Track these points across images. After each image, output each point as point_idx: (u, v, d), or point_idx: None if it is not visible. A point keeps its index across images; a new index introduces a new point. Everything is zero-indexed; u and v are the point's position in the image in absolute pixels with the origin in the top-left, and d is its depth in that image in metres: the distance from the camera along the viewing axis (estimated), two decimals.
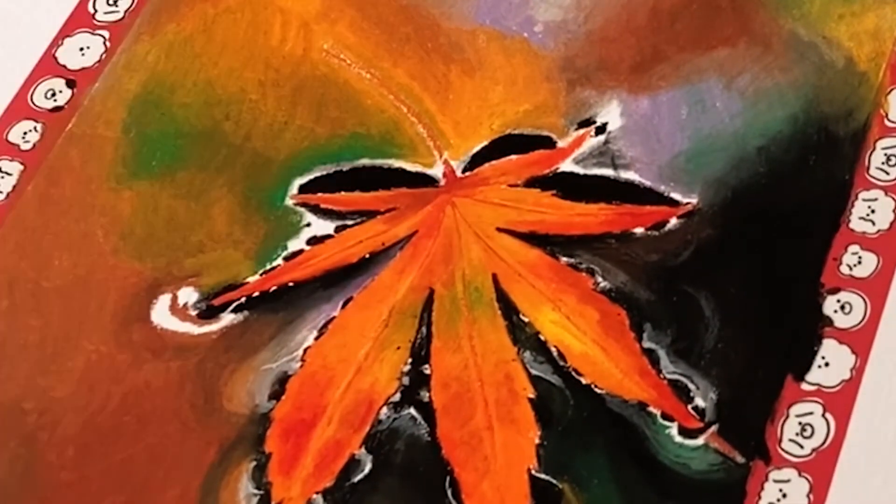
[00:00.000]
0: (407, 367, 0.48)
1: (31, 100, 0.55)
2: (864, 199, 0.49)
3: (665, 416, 0.45)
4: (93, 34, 0.57)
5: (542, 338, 0.48)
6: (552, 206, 0.51)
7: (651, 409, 0.46)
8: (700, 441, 0.45)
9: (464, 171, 0.52)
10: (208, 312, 0.50)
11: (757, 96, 0.52)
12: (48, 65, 0.56)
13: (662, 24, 0.55)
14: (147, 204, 0.53)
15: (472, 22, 0.56)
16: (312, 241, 0.51)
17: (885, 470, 0.44)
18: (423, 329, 0.48)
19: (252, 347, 0.49)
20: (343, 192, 0.52)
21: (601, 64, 0.54)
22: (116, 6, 0.58)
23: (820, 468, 0.44)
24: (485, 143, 0.53)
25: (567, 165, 0.52)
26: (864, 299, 0.47)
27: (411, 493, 0.45)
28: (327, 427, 0.47)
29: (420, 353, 0.48)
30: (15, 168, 0.54)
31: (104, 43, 0.57)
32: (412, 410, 0.47)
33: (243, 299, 0.50)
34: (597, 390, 0.46)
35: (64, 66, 0.56)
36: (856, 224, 0.49)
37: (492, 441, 0.46)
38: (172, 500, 0.46)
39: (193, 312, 0.50)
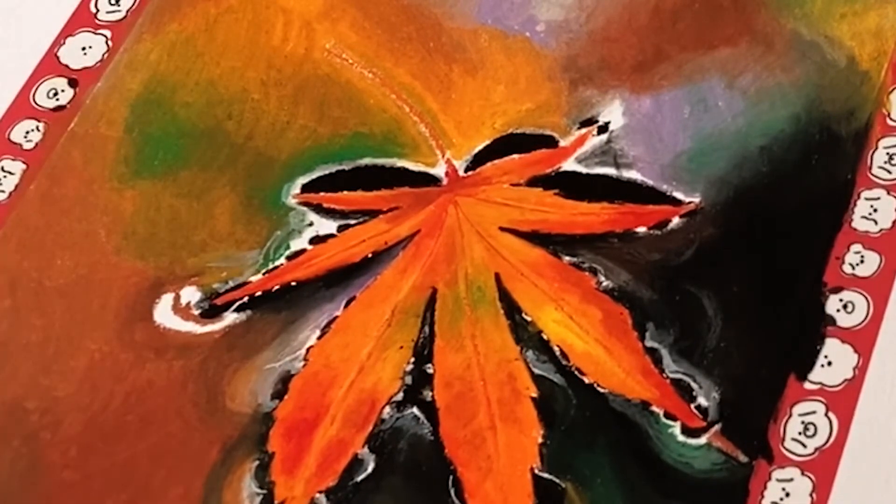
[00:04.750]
0: (410, 367, 0.48)
1: (34, 99, 0.55)
2: (867, 199, 0.49)
3: (668, 416, 0.45)
4: (95, 34, 0.57)
5: (545, 337, 0.48)
6: (555, 205, 0.51)
7: (654, 408, 0.46)
8: (703, 440, 0.45)
9: (466, 170, 0.52)
10: (211, 312, 0.50)
11: (759, 96, 0.52)
12: (50, 64, 0.56)
13: (664, 24, 0.55)
14: (149, 203, 0.53)
15: (474, 21, 0.56)
16: (315, 240, 0.51)
17: (888, 469, 0.44)
18: (426, 328, 0.48)
19: (255, 347, 0.49)
20: (345, 192, 0.52)
21: (603, 63, 0.54)
22: (118, 5, 0.58)
23: (823, 467, 0.44)
24: (487, 142, 0.53)
25: (569, 165, 0.52)
26: (866, 298, 0.47)
27: (414, 493, 0.45)
28: (330, 426, 0.47)
29: (423, 352, 0.48)
30: (17, 167, 0.54)
31: (106, 42, 0.57)
32: (415, 410, 0.47)
33: (246, 298, 0.50)
34: (599, 389, 0.46)
35: (66, 66, 0.56)
36: (858, 223, 0.49)
37: (495, 440, 0.46)
38: (175, 499, 0.46)
39: (196, 312, 0.50)
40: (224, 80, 0.55)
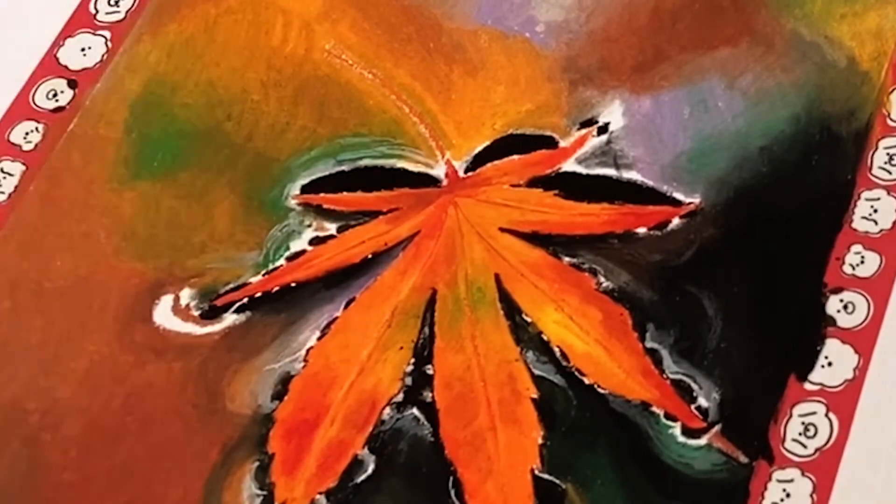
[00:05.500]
0: (410, 368, 0.48)
1: (33, 100, 0.55)
2: (867, 199, 0.49)
3: (668, 416, 0.45)
4: (94, 34, 0.57)
5: (545, 338, 0.48)
6: (554, 206, 0.51)
7: (654, 409, 0.46)
8: (703, 441, 0.45)
9: (466, 171, 0.52)
10: (211, 313, 0.50)
11: (759, 96, 0.52)
12: (50, 65, 0.56)
13: (664, 24, 0.55)
14: (149, 204, 0.53)
15: (473, 22, 0.56)
16: (315, 241, 0.51)
17: (888, 469, 0.44)
18: (426, 329, 0.48)
19: (255, 348, 0.49)
20: (345, 193, 0.52)
21: (603, 64, 0.54)
22: (118, 6, 0.58)
23: (823, 468, 0.44)
24: (487, 143, 0.53)
25: (569, 165, 0.52)
26: (866, 299, 0.47)
27: (414, 494, 0.45)
28: (330, 427, 0.47)
29: (423, 353, 0.48)
30: (17, 169, 0.54)
31: (105, 43, 0.57)
32: (415, 411, 0.47)
33: (246, 300, 0.50)
34: (600, 390, 0.46)
35: (65, 67, 0.56)
36: (858, 224, 0.49)
37: (495, 441, 0.46)
38: (175, 500, 0.46)
39: (196, 313, 0.50)
40: (223, 81, 0.55)
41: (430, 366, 0.48)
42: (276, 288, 0.50)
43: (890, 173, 0.50)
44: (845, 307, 0.47)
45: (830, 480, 0.43)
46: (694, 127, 0.52)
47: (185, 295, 0.50)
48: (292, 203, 0.52)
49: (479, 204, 0.51)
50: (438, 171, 0.53)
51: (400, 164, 0.53)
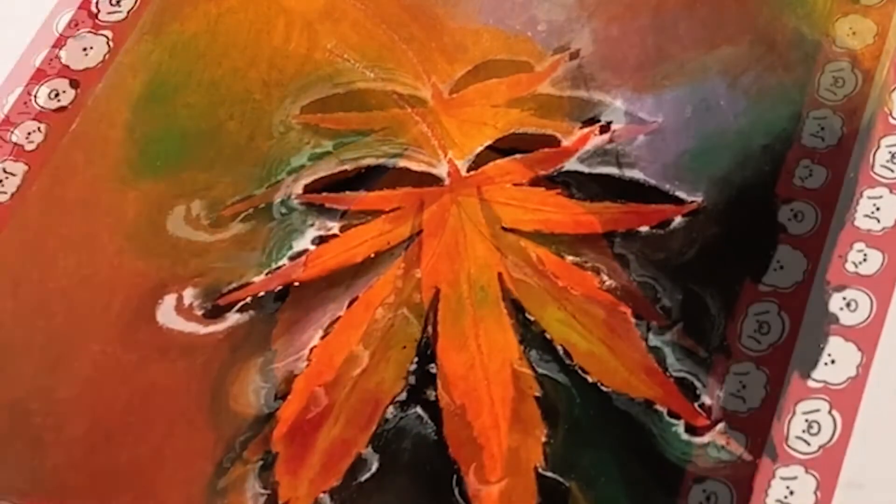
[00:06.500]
0: (413, 367, 0.48)
1: (35, 100, 0.55)
2: (869, 197, 0.49)
3: (671, 414, 0.45)
4: (96, 34, 0.57)
5: (548, 336, 0.48)
6: (557, 204, 0.51)
7: (657, 406, 0.46)
8: (706, 438, 0.45)
9: (468, 170, 0.52)
10: (214, 312, 0.50)
11: (761, 95, 0.52)
12: (52, 65, 0.56)
13: (666, 23, 0.55)
14: (151, 204, 0.53)
15: (475, 21, 0.56)
16: (318, 240, 0.51)
17: (891, 467, 0.44)
18: (429, 328, 0.48)
19: (258, 347, 0.49)
20: (348, 192, 0.52)
21: (605, 63, 0.54)
22: (119, 6, 0.58)
23: (827, 465, 0.44)
24: (489, 142, 0.53)
25: (572, 164, 0.52)
26: (869, 297, 0.47)
27: (418, 492, 0.45)
28: (334, 426, 0.47)
29: (426, 352, 0.48)
30: (19, 169, 0.54)
31: (107, 43, 0.57)
32: (418, 409, 0.47)
33: (249, 299, 0.50)
34: (603, 388, 0.46)
35: (67, 67, 0.56)
36: (861, 222, 0.49)
37: (498, 440, 0.46)
38: (179, 500, 0.46)
39: (199, 312, 0.50)
40: (226, 81, 0.55)
41: (433, 365, 0.48)
42: (280, 287, 0.50)
43: (892, 171, 0.50)
44: (848, 305, 0.47)
45: (834, 477, 0.43)
46: (696, 125, 0.52)
47: (189, 294, 0.50)
48: (295, 202, 0.52)
49: (481, 203, 0.51)
50: (441, 170, 0.53)
51: (402, 163, 0.53)
